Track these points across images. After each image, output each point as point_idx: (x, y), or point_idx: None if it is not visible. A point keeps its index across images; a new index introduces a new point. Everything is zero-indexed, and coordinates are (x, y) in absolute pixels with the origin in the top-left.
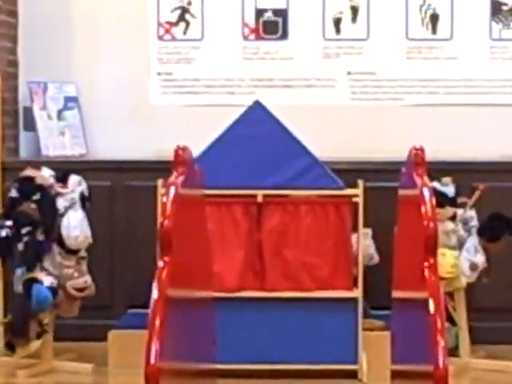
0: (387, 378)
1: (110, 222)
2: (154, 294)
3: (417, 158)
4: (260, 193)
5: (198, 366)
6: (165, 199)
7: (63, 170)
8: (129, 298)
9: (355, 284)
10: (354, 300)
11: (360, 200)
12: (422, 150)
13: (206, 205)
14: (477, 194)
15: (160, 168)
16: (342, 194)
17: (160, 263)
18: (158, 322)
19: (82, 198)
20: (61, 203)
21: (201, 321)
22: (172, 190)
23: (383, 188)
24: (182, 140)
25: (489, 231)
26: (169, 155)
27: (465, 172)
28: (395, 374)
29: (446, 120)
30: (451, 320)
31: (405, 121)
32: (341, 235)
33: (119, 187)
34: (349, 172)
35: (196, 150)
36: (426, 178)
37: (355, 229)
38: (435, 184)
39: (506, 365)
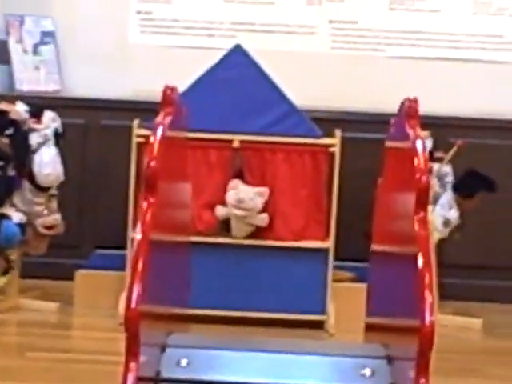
0: (355, 330)
1: (82, 160)
2: (138, 235)
3: (410, 110)
4: (236, 138)
5: (173, 310)
6: (152, 139)
7: (37, 105)
8: (97, 238)
9: (328, 234)
10: (326, 251)
11: (337, 150)
12: (415, 101)
13: None
14: (454, 149)
15: (136, 108)
16: (319, 143)
17: (144, 204)
18: (140, 265)
19: (56, 134)
20: (34, 139)
21: (178, 264)
22: (159, 131)
23: (360, 138)
24: (159, 81)
25: (464, 187)
26: (145, 95)
27: (443, 127)
28: (371, 327)
29: (426, 73)
30: None
31: (385, 72)
32: (316, 185)
33: (93, 126)
34: (326, 121)
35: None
36: (419, 130)
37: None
38: None
39: (472, 322)
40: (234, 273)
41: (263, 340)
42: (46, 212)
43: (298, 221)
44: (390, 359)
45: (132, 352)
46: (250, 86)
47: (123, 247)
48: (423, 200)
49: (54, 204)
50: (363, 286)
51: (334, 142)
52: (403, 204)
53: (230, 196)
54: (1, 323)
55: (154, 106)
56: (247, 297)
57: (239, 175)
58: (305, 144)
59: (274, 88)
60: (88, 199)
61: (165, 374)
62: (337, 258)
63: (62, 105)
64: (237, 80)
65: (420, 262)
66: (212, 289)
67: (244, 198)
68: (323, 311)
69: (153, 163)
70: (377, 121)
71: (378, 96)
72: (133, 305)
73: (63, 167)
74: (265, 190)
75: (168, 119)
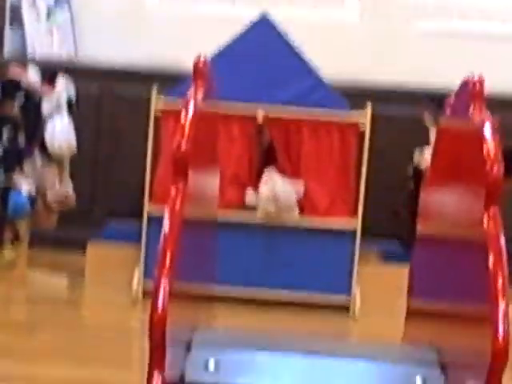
0: (378, 313)
1: (96, 130)
2: (165, 226)
3: (475, 90)
4: (260, 112)
5: (199, 289)
6: (183, 118)
7: (50, 70)
8: (109, 209)
9: (355, 213)
10: (353, 230)
11: (367, 125)
12: (481, 81)
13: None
14: None
15: (151, 76)
16: (348, 119)
17: (173, 190)
18: (168, 260)
19: (69, 102)
20: (46, 106)
21: (204, 245)
22: (191, 107)
23: (386, 113)
24: (177, 49)
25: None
26: (161, 63)
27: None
28: (415, 313)
29: (458, 49)
30: None
31: (416, 46)
32: (344, 162)
33: (108, 93)
34: (352, 95)
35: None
36: (486, 113)
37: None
38: None
39: None
40: (259, 251)
41: (295, 337)
42: (57, 183)
43: (325, 198)
44: (443, 366)
45: (157, 360)
46: (275, 58)
47: (137, 217)
48: (494, 193)
49: (66, 175)
50: (390, 268)
51: (364, 117)
52: (466, 192)
53: (265, 191)
54: (9, 299)
55: (170, 74)
56: (272, 274)
57: (268, 154)
58: (333, 120)
59: (301, 60)
60: (100, 169)
61: (191, 378)
62: (363, 235)
63: (76, 70)
64: (262, 51)
65: (492, 263)
66: (236, 266)
67: (280, 196)
68: (348, 293)
69: (184, 145)
70: (406, 96)
71: (406, 69)
72: (159, 308)
73: (76, 137)
74: (300, 186)
75: (200, 94)
